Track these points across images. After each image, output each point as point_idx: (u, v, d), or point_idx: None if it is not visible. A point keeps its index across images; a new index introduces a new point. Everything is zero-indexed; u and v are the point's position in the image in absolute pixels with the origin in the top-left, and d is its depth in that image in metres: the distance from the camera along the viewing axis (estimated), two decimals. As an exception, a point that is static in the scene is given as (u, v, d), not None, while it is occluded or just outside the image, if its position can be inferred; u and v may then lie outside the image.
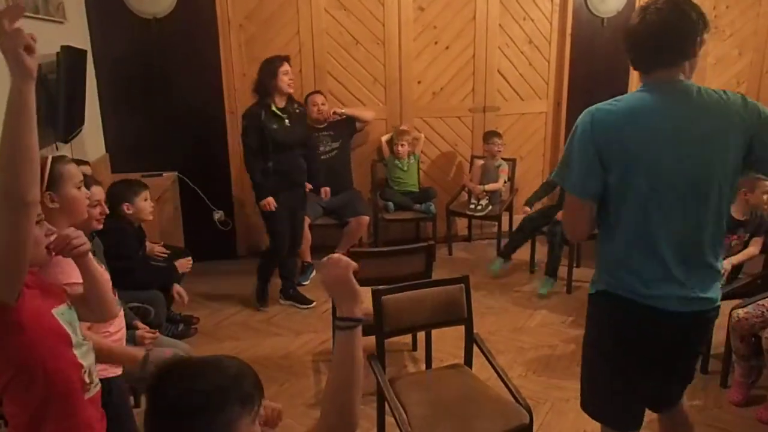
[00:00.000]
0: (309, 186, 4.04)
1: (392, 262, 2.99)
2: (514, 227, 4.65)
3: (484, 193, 4.79)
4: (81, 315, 1.63)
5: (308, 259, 4.41)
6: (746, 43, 5.40)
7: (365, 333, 1.32)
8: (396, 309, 2.39)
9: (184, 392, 1.01)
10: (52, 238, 1.51)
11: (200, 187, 4.58)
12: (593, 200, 1.75)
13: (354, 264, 1.26)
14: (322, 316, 3.88)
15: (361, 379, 1.24)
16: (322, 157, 4.42)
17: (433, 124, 5.04)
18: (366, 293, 2.02)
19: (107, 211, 2.33)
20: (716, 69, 5.37)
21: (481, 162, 4.91)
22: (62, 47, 3.10)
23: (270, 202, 3.71)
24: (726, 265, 3.01)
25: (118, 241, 2.69)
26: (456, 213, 4.96)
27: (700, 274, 1.74)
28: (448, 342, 3.27)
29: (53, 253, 1.51)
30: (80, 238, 1.53)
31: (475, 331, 2.53)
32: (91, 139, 4.05)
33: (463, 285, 2.48)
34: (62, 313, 1.50)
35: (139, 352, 2.03)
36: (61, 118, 3.08)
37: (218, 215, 4.68)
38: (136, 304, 2.78)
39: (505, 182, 4.89)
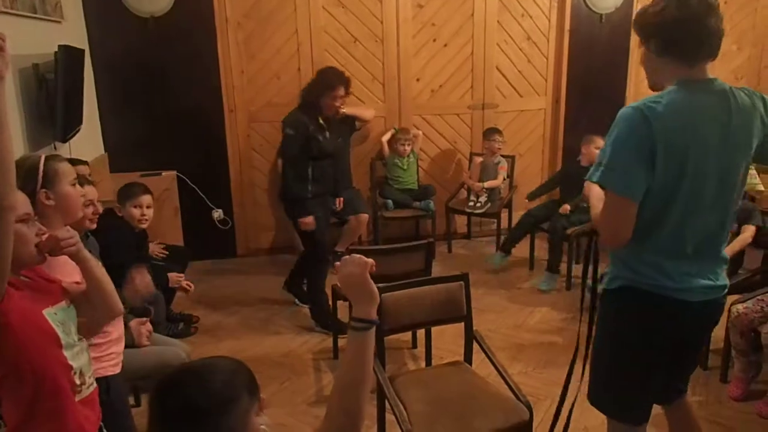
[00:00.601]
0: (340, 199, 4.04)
1: (392, 259, 2.99)
2: (514, 224, 4.64)
3: (484, 191, 4.79)
4: (86, 313, 1.64)
5: None
6: (745, 38, 5.39)
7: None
8: (396, 306, 2.38)
9: (197, 392, 1.03)
10: (44, 237, 1.50)
11: (199, 186, 4.58)
12: (639, 202, 1.68)
13: (371, 261, 1.27)
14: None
15: (370, 380, 1.24)
16: None
17: (432, 121, 5.03)
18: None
19: (100, 211, 2.32)
20: (715, 64, 5.20)
21: (480, 159, 4.91)
22: (60, 47, 3.09)
23: (311, 222, 3.49)
24: (728, 252, 3.02)
25: (112, 242, 2.69)
26: (455, 210, 4.96)
27: (715, 263, 1.81)
28: (447, 339, 3.27)
29: (45, 253, 1.50)
30: (72, 238, 1.52)
31: (474, 328, 2.53)
32: (90, 138, 4.04)
33: (462, 282, 2.48)
34: (55, 314, 1.50)
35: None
36: (59, 117, 3.08)
37: (217, 214, 4.68)
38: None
39: (504, 179, 4.89)
